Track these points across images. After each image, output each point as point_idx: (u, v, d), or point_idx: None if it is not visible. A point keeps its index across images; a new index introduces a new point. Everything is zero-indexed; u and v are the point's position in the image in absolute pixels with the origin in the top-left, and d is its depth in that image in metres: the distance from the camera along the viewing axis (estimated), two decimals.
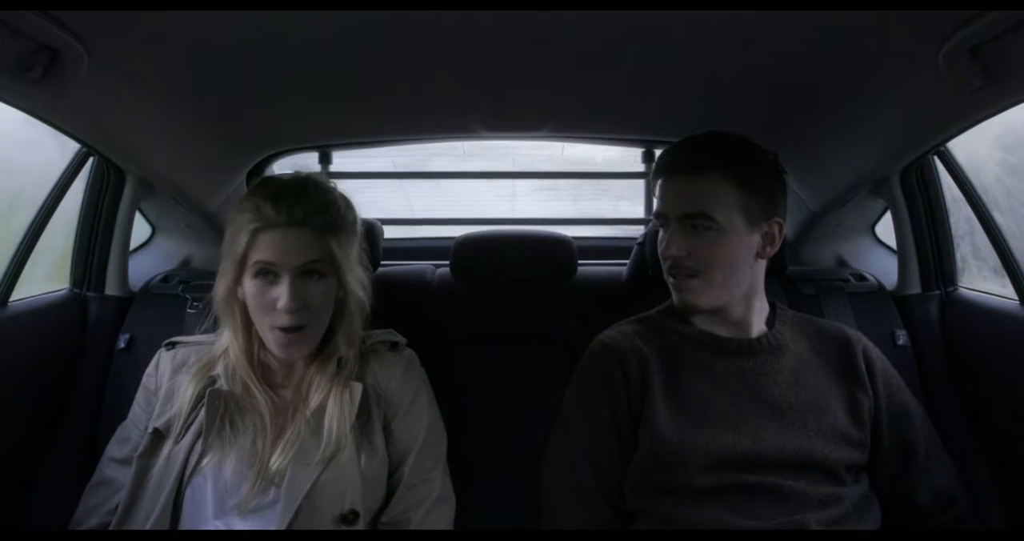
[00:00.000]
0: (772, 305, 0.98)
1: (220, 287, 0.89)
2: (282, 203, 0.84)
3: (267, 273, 0.85)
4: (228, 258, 0.88)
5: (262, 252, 0.84)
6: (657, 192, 0.93)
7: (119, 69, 0.90)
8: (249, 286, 0.86)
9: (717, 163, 0.88)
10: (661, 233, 0.94)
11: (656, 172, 0.94)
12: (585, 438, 0.91)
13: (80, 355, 1.23)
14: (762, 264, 0.94)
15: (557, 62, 0.97)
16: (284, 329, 0.85)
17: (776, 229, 0.92)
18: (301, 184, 0.89)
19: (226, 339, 0.94)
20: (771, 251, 0.92)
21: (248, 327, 0.92)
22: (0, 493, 1.08)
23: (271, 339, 0.87)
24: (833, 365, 0.93)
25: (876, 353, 0.96)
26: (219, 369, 0.93)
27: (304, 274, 0.85)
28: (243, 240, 0.85)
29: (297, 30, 0.86)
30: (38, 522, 1.10)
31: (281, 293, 0.84)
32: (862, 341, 0.96)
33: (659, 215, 0.93)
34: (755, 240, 0.90)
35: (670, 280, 0.92)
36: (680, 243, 0.89)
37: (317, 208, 0.86)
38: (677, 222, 0.89)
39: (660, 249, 0.92)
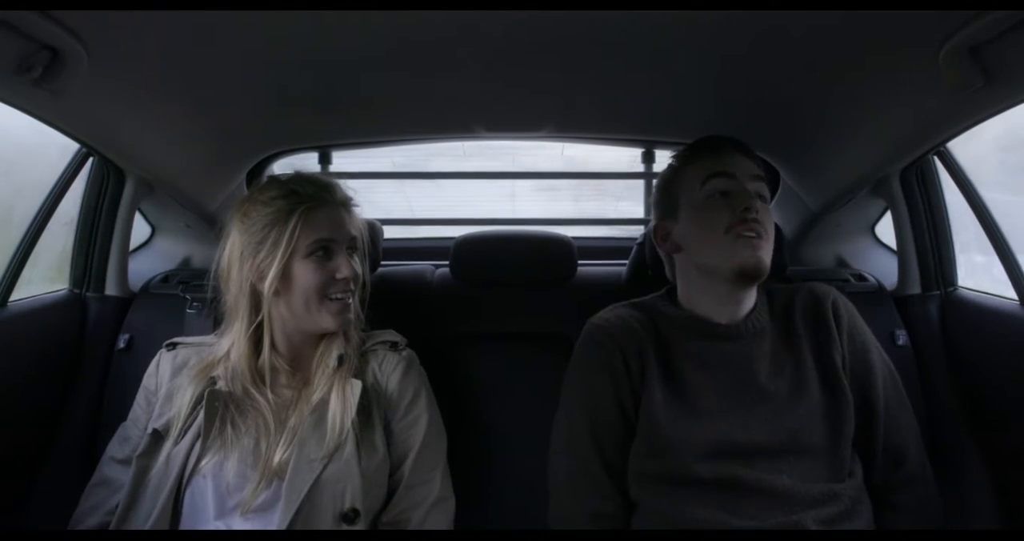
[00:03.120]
0: None
1: (270, 276, 0.89)
2: (319, 185, 0.92)
3: (324, 249, 0.90)
4: (269, 249, 0.89)
5: (318, 230, 0.90)
6: (707, 158, 0.92)
7: (119, 69, 0.90)
8: (302, 267, 0.90)
9: (756, 159, 0.95)
10: (715, 200, 0.90)
11: (703, 146, 0.95)
12: (590, 421, 0.90)
13: (80, 355, 1.23)
14: None
15: (557, 62, 0.97)
16: (340, 298, 0.91)
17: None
18: (322, 175, 0.97)
19: (228, 342, 0.95)
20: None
21: (252, 328, 0.92)
22: (0, 493, 1.08)
23: (327, 311, 0.91)
24: (807, 333, 0.92)
25: (845, 308, 0.95)
26: (219, 371, 0.93)
27: (351, 248, 0.94)
28: (291, 222, 0.89)
29: (297, 31, 0.86)
30: (38, 522, 1.10)
31: (340, 264, 0.91)
32: (831, 296, 0.95)
33: (723, 174, 0.90)
34: None
35: (746, 237, 0.87)
36: (756, 203, 0.89)
37: (344, 192, 0.95)
38: (749, 181, 0.91)
39: (732, 205, 0.88)
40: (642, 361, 0.90)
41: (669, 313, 0.96)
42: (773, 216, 0.93)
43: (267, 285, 0.89)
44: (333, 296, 0.91)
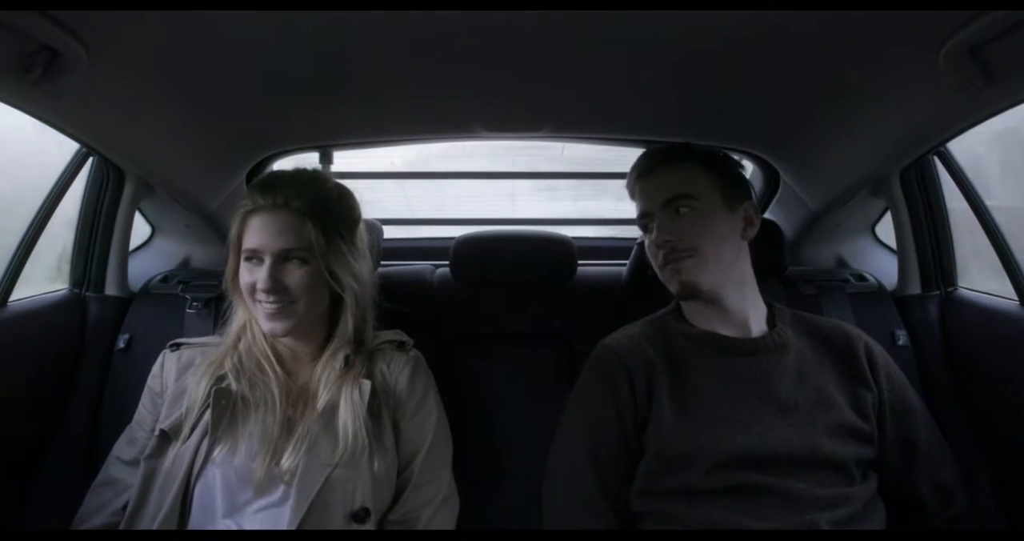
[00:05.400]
0: (770, 306, 0.99)
1: (228, 273, 0.94)
2: (271, 189, 0.90)
3: (253, 258, 0.90)
4: (230, 244, 0.93)
5: (249, 238, 0.90)
6: (636, 195, 0.99)
7: (119, 69, 0.90)
8: (242, 268, 0.92)
9: (684, 156, 0.97)
10: (647, 239, 0.97)
11: (631, 178, 1.00)
12: (588, 444, 0.90)
13: (80, 355, 1.23)
14: (747, 251, 0.97)
15: (557, 62, 0.97)
16: (268, 305, 0.90)
17: (752, 211, 0.98)
18: (295, 173, 0.95)
19: (236, 327, 0.96)
20: (752, 232, 0.97)
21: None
22: (0, 493, 1.08)
23: (261, 312, 0.91)
24: (835, 362, 0.93)
25: (878, 349, 0.96)
26: (227, 367, 0.93)
27: (283, 259, 0.89)
28: (236, 225, 0.91)
29: (297, 30, 0.86)
30: (38, 522, 1.10)
31: (260, 275, 0.89)
32: (863, 338, 0.97)
33: (643, 215, 0.97)
34: (737, 220, 0.96)
35: (667, 268, 0.94)
36: (670, 229, 0.92)
37: (299, 193, 0.90)
38: (662, 210, 0.94)
39: (653, 244, 0.95)
40: (650, 382, 0.91)
41: (682, 330, 0.97)
42: (708, 217, 0.93)
43: (226, 277, 0.94)
44: (260, 301, 0.90)
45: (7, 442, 1.08)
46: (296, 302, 0.89)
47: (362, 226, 0.99)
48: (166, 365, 0.98)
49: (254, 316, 0.94)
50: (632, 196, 1.00)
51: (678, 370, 0.92)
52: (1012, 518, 1.08)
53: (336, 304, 0.95)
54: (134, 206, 1.29)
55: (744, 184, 1.00)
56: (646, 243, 0.98)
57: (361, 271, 0.95)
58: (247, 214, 0.90)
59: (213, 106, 1.10)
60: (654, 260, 0.96)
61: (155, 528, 0.83)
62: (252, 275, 0.90)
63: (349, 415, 0.88)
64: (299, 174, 0.95)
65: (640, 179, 0.98)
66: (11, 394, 1.08)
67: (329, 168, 1.54)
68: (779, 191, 1.47)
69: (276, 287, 0.88)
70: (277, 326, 0.90)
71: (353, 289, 0.94)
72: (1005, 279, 1.15)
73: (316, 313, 0.94)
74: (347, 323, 0.94)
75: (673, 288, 0.95)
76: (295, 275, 0.89)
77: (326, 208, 0.91)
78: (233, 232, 0.92)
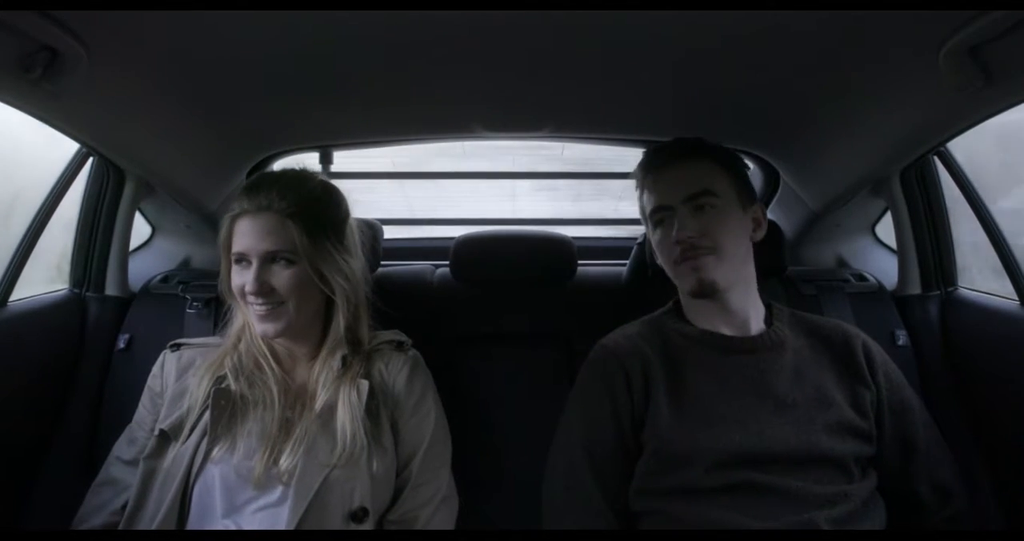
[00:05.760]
0: (768, 306, 0.99)
1: (223, 276, 0.94)
2: (256, 192, 0.90)
3: (241, 260, 0.90)
4: (221, 248, 0.93)
5: (237, 241, 0.90)
6: (650, 187, 0.96)
7: (119, 69, 0.90)
8: (233, 270, 0.92)
9: (702, 152, 0.96)
10: (660, 231, 0.95)
11: (646, 169, 0.97)
12: (587, 443, 0.91)
13: (80, 355, 1.23)
14: (752, 252, 0.97)
15: (557, 62, 0.97)
16: (258, 307, 0.90)
17: (760, 213, 0.98)
18: (279, 175, 0.95)
19: (237, 328, 0.97)
20: (760, 234, 0.98)
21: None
22: (0, 493, 1.08)
23: (252, 314, 0.91)
24: (833, 361, 0.93)
25: (876, 348, 0.96)
26: (227, 367, 0.93)
27: (270, 261, 0.89)
28: (224, 228, 0.91)
29: (297, 30, 0.86)
30: (38, 522, 1.10)
31: (248, 277, 0.89)
32: (861, 337, 0.97)
33: (660, 208, 0.94)
34: (748, 221, 0.96)
35: (685, 264, 0.92)
36: (691, 225, 0.91)
37: (281, 194, 0.89)
38: (683, 205, 0.92)
39: (670, 239, 0.92)
40: (647, 380, 0.91)
41: (680, 329, 0.97)
42: (733, 215, 0.93)
43: (221, 281, 0.94)
44: (250, 303, 0.91)
45: (7, 442, 1.08)
46: (285, 303, 0.90)
47: (352, 223, 0.99)
48: (166, 365, 0.99)
49: (247, 318, 0.94)
50: (643, 189, 0.98)
51: (675, 369, 0.92)
52: (1012, 518, 1.08)
53: (330, 303, 0.95)
54: (134, 206, 1.29)
55: (750, 184, 0.99)
56: (657, 238, 0.96)
57: (351, 269, 0.95)
58: (234, 218, 0.90)
59: (213, 106, 1.10)
60: (668, 256, 0.94)
61: (154, 528, 0.83)
62: (241, 277, 0.90)
63: (347, 415, 0.88)
64: (282, 175, 0.95)
65: (657, 172, 0.95)
66: (11, 394, 1.08)
67: (329, 168, 1.54)
68: (779, 191, 1.47)
69: (263, 289, 0.88)
70: (269, 327, 0.90)
71: (343, 288, 0.93)
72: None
73: (308, 313, 0.93)
74: (339, 322, 0.94)
75: (688, 285, 0.93)
76: (282, 276, 0.89)
77: (310, 208, 0.91)
78: (222, 236, 0.91)
